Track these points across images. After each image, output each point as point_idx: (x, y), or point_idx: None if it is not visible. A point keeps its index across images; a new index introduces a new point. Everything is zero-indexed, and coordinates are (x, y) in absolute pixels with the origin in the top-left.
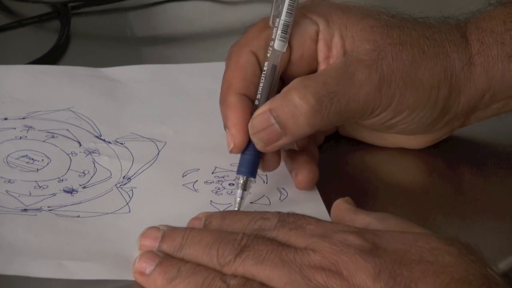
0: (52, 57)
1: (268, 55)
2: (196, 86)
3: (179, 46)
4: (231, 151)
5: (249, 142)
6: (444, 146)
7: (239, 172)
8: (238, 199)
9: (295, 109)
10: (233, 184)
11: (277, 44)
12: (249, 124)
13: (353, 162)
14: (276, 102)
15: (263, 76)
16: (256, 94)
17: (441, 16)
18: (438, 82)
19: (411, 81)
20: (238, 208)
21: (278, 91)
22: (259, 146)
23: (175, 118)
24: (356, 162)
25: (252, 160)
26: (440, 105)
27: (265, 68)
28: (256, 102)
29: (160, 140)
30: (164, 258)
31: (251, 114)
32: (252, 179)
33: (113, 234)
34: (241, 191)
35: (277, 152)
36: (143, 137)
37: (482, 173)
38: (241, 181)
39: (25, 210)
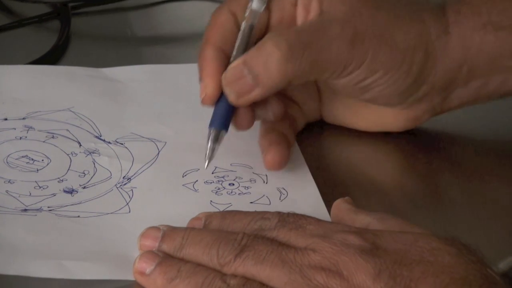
0: (52, 57)
1: (246, 15)
2: (196, 86)
3: (179, 46)
4: (202, 101)
5: (222, 95)
6: (442, 146)
7: (210, 125)
8: (208, 152)
9: (267, 56)
10: (233, 184)
11: (255, 4)
12: (223, 76)
13: (351, 162)
14: (250, 53)
15: (239, 35)
16: (232, 51)
17: None
18: (413, 46)
19: (385, 40)
20: (208, 161)
21: None
22: (231, 97)
23: (175, 118)
24: (350, 160)
25: (225, 114)
26: (415, 70)
27: (242, 27)
28: (232, 59)
29: (160, 140)
30: (164, 258)
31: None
32: (224, 132)
33: (113, 234)
34: (212, 144)
35: (250, 109)
36: (143, 137)
37: (481, 172)
38: (212, 134)
39: (25, 210)
